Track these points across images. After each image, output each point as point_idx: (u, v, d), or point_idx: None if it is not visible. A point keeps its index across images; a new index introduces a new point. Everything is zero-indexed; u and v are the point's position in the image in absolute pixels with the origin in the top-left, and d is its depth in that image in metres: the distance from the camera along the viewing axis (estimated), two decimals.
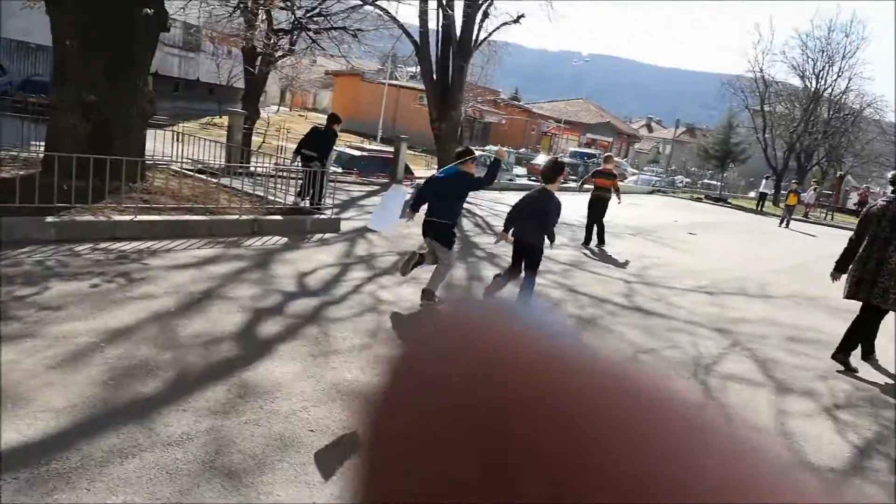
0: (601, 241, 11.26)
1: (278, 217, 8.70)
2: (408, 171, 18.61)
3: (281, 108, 46.43)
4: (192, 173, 10.26)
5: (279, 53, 15.87)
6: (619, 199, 11.30)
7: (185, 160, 10.94)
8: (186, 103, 30.65)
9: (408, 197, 6.32)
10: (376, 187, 15.65)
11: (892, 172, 6.47)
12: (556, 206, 6.10)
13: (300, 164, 10.37)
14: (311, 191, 9.74)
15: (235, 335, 4.68)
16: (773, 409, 4.70)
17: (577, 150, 39.26)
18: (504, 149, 10.47)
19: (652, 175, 33.69)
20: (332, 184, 11.33)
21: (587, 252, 10.64)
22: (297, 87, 49.10)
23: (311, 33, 15.99)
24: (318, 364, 4.35)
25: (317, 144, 10.47)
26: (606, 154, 12.60)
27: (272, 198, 9.44)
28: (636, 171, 41.68)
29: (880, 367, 6.19)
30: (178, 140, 11.43)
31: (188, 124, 21.07)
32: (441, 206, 5.98)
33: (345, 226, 9.43)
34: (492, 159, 6.98)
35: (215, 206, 8.42)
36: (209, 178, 9.85)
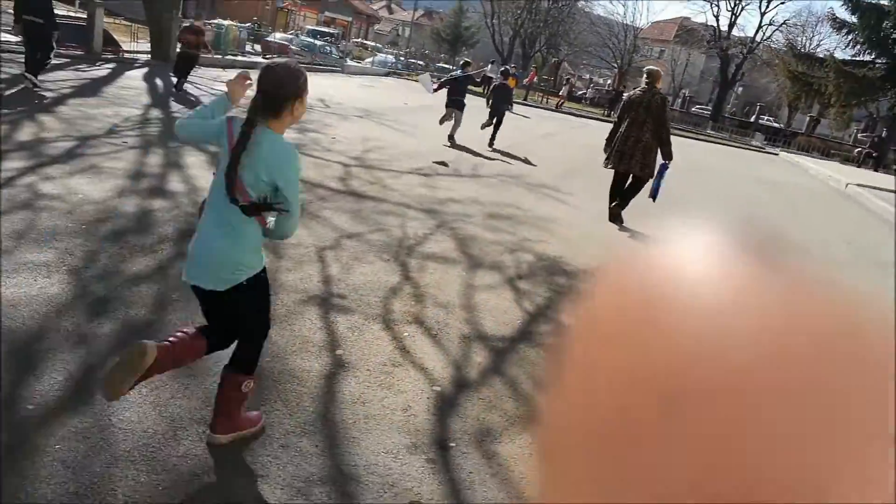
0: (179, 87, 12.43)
1: None
2: (110, 41, 16.12)
3: None
4: None
5: None
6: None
7: None
8: None
9: (434, 82, 12.39)
10: (66, 60, 13.31)
11: (647, 67, 7.71)
12: (511, 90, 13.51)
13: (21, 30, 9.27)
14: (41, 59, 9.10)
15: None
16: (462, 285, 4.91)
17: (315, 28, 37.52)
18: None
19: (388, 56, 33.54)
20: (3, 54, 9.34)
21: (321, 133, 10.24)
22: None
23: None
24: None
25: (36, 7, 9.05)
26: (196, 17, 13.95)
27: None
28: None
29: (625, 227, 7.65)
30: None
31: None
32: (457, 90, 12.29)
33: (11, 104, 7.83)
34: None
35: None
36: None
